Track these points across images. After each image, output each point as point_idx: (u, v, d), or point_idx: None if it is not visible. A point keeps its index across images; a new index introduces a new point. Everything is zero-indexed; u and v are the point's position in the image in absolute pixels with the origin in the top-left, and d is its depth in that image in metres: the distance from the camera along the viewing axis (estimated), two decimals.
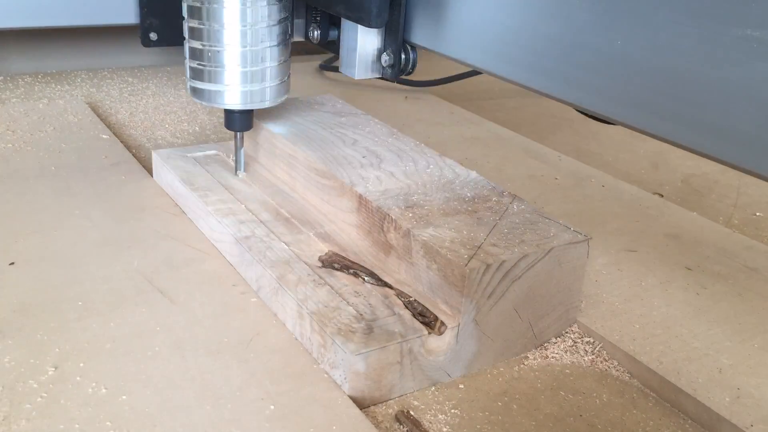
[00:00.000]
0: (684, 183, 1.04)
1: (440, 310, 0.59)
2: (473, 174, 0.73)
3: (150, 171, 0.87)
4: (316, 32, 0.84)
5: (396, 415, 0.55)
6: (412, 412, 0.55)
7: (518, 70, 0.66)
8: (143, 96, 1.17)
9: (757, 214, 0.95)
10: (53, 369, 0.55)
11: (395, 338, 0.55)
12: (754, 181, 1.05)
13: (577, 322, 0.66)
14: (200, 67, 0.72)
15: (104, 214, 0.77)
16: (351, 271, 0.64)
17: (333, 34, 0.84)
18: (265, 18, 0.70)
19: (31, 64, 1.28)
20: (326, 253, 0.66)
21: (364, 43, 0.78)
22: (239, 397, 0.53)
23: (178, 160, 0.83)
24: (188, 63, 0.74)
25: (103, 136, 0.97)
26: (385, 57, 0.77)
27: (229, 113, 0.76)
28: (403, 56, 0.77)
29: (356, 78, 0.78)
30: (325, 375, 0.56)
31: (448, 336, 0.57)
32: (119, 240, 0.72)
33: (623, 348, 0.62)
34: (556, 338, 0.65)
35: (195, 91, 0.74)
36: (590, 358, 0.63)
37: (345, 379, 0.55)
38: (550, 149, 1.07)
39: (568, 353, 0.63)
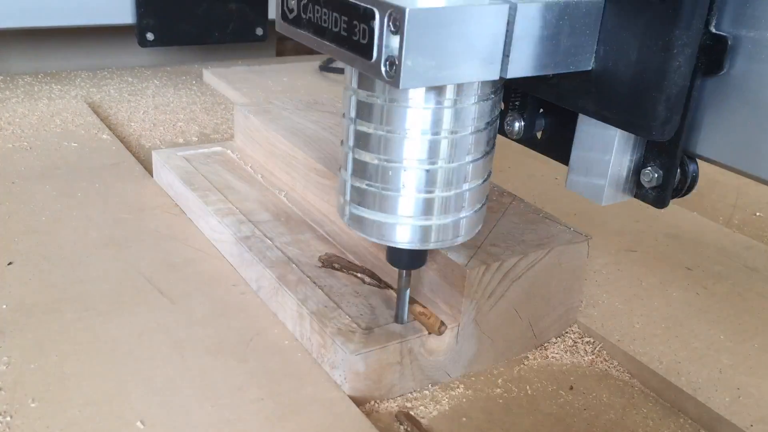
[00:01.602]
0: None
1: (440, 310, 0.59)
2: None
3: (150, 171, 0.87)
4: (517, 124, 0.57)
5: (396, 415, 0.55)
6: (412, 412, 0.55)
7: None
8: (143, 96, 1.17)
9: (757, 214, 0.95)
10: (53, 369, 0.55)
11: (395, 338, 0.55)
12: (754, 182, 1.05)
13: (577, 322, 0.66)
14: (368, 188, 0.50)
15: (104, 214, 0.77)
16: (351, 271, 0.64)
17: (540, 123, 0.57)
18: (473, 120, 0.48)
19: (31, 64, 1.28)
20: (326, 254, 0.66)
21: (620, 153, 0.51)
22: (239, 397, 0.53)
23: (178, 160, 0.83)
24: (350, 180, 0.51)
25: (103, 136, 0.97)
26: (647, 173, 0.51)
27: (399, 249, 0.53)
28: (678, 173, 0.50)
29: (603, 204, 0.52)
30: (325, 375, 0.56)
31: (448, 336, 0.57)
32: (119, 240, 0.72)
33: (623, 348, 0.62)
34: (556, 338, 0.65)
35: (355, 220, 0.51)
36: (590, 358, 0.63)
37: (345, 379, 0.55)
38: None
39: (568, 353, 0.63)
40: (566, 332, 0.65)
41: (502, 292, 0.59)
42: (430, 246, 0.50)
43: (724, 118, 0.47)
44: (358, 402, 0.54)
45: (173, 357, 0.57)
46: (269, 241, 0.68)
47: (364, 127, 0.48)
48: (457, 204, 0.50)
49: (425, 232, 0.49)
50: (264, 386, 0.54)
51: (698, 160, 0.50)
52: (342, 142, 0.51)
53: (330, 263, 0.65)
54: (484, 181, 0.51)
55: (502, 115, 0.55)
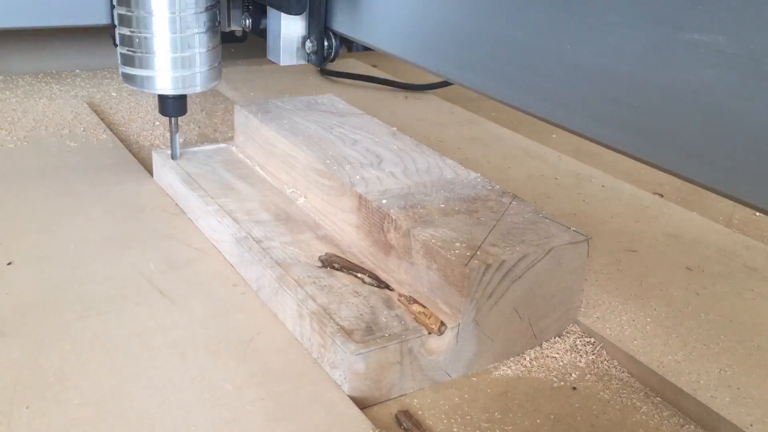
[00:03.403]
0: (684, 183, 1.04)
1: (440, 310, 0.59)
2: (473, 174, 0.73)
3: (150, 171, 0.87)
4: (248, 21, 0.86)
5: (396, 415, 0.55)
6: (411, 412, 0.55)
7: (430, 58, 0.68)
8: (143, 96, 1.17)
9: (757, 214, 0.95)
10: (53, 369, 0.55)
11: (395, 338, 0.55)
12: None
13: (577, 322, 0.66)
14: (131, 53, 0.75)
15: (104, 214, 0.77)
16: (351, 271, 0.64)
17: (264, 22, 0.86)
18: (192, 5, 0.74)
19: (31, 64, 1.28)
20: (326, 254, 0.66)
21: (288, 30, 0.81)
22: (239, 397, 0.53)
23: (179, 160, 0.83)
24: (119, 49, 0.77)
25: (103, 136, 0.97)
26: (308, 44, 0.80)
27: (162, 99, 0.80)
28: (325, 43, 0.79)
29: (281, 64, 0.82)
30: (325, 375, 0.56)
31: (448, 336, 0.57)
32: (119, 240, 0.72)
33: (623, 348, 0.62)
34: (556, 338, 0.65)
35: (127, 77, 0.77)
36: (590, 358, 0.63)
37: (345, 379, 0.55)
38: (550, 149, 1.07)
39: (568, 353, 0.63)
40: (566, 332, 0.65)
41: (502, 292, 0.59)
42: (179, 91, 0.77)
43: (350, 3, 0.75)
44: (358, 402, 0.54)
45: (173, 357, 0.57)
46: (269, 241, 0.68)
47: (123, 11, 0.74)
48: (192, 62, 0.76)
49: (174, 81, 0.77)
50: (264, 386, 0.54)
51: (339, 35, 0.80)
52: (114, 24, 0.76)
53: (330, 263, 0.65)
54: (213, 48, 0.78)
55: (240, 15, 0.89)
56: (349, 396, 0.54)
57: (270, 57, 0.84)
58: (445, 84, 1.32)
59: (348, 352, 0.54)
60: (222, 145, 0.89)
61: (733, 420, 0.55)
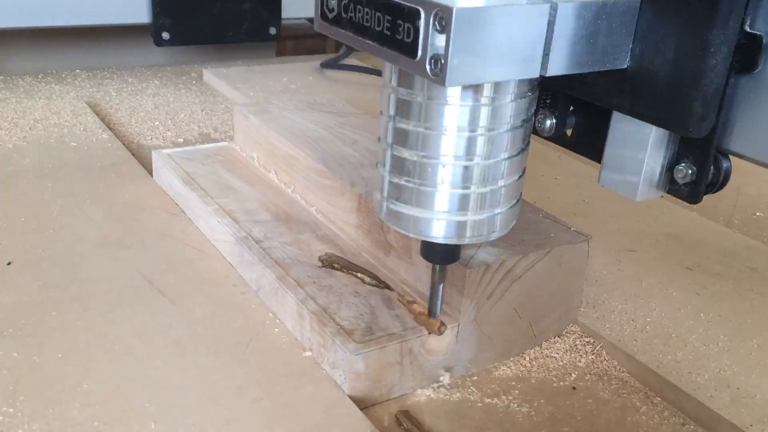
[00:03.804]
0: None
1: (440, 310, 0.59)
2: None
3: (150, 171, 0.87)
4: (548, 121, 0.56)
5: (396, 415, 0.55)
6: (411, 412, 0.55)
7: None
8: (143, 96, 1.17)
9: (757, 214, 0.95)
10: (53, 369, 0.55)
11: (395, 338, 0.55)
12: (754, 181, 1.05)
13: (577, 322, 0.66)
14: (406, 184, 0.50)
15: (104, 214, 0.77)
16: (351, 271, 0.64)
17: (570, 121, 0.57)
18: (507, 119, 0.48)
19: (31, 64, 1.28)
20: (326, 253, 0.66)
21: (655, 150, 0.51)
22: (239, 397, 0.53)
23: (178, 160, 0.83)
24: (388, 177, 0.51)
25: (103, 136, 0.97)
26: (681, 170, 0.52)
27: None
28: (711, 169, 0.51)
29: (637, 200, 0.53)
30: (325, 375, 0.56)
31: (448, 336, 0.57)
32: (119, 240, 0.72)
33: (623, 348, 0.62)
34: (556, 338, 0.65)
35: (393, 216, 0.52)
36: (590, 358, 0.63)
37: (345, 379, 0.55)
38: (550, 149, 1.07)
39: (568, 353, 0.63)
40: (566, 332, 0.65)
41: (502, 292, 0.59)
42: (465, 241, 0.51)
43: (757, 115, 0.48)
44: (358, 402, 0.54)
45: (173, 357, 0.57)
46: (269, 241, 0.68)
47: (403, 125, 0.48)
48: (493, 200, 0.50)
49: (461, 227, 0.50)
50: (264, 386, 0.54)
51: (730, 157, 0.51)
52: (379, 139, 0.51)
53: (330, 263, 0.65)
54: (520, 177, 0.52)
55: (534, 113, 0.56)
56: (349, 396, 0.54)
57: (606, 185, 0.55)
58: None
59: (348, 352, 0.54)
60: (222, 145, 0.89)
61: (733, 420, 0.55)
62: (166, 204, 0.80)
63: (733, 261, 0.78)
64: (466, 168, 0.48)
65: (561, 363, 0.62)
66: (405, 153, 0.49)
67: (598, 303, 0.69)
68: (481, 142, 0.48)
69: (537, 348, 0.64)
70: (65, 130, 0.98)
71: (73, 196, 0.80)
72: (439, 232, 0.50)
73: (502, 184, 0.50)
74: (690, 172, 0.51)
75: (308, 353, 0.58)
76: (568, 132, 0.58)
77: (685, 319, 0.67)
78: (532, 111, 0.51)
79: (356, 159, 0.74)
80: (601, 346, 0.64)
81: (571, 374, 0.61)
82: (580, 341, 0.65)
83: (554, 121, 0.57)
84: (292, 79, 1.29)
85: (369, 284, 0.62)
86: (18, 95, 1.11)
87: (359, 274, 0.63)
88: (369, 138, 0.80)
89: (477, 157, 0.48)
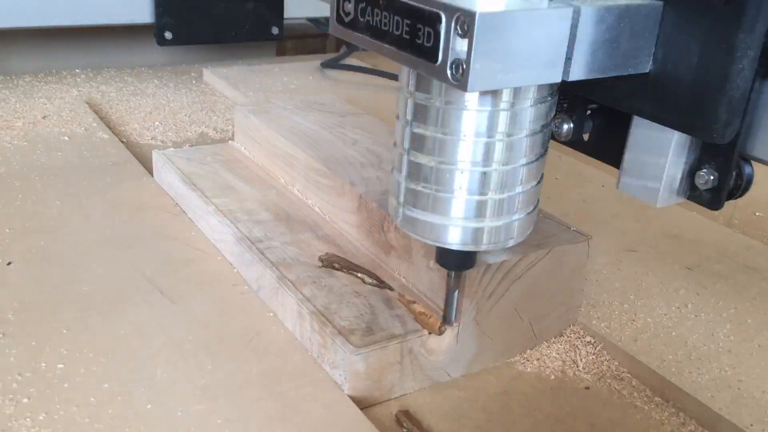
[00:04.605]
0: None
1: (440, 310, 0.59)
2: None
3: (150, 171, 0.87)
4: (565, 125, 0.56)
5: (396, 415, 0.55)
6: (411, 412, 0.55)
7: None
8: (143, 96, 1.17)
9: (757, 214, 0.95)
10: (53, 369, 0.55)
11: (395, 338, 0.55)
12: (754, 181, 1.05)
13: (577, 322, 0.66)
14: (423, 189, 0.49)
15: (104, 214, 0.77)
16: (351, 271, 0.64)
17: (588, 125, 0.57)
18: (525, 125, 0.48)
19: (31, 64, 1.28)
20: (326, 253, 0.66)
21: (676, 156, 0.50)
22: (239, 397, 0.53)
23: (179, 160, 0.83)
24: (404, 182, 0.50)
25: (104, 136, 0.97)
26: (702, 176, 0.51)
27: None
28: (734, 175, 0.51)
29: (657, 206, 0.52)
30: (325, 375, 0.56)
31: (448, 336, 0.57)
32: (119, 240, 0.72)
33: (623, 348, 0.62)
34: (556, 338, 0.65)
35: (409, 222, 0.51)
36: (590, 358, 0.63)
37: (345, 379, 0.55)
38: (550, 149, 1.07)
39: (568, 353, 0.63)
40: (566, 332, 0.65)
41: (502, 292, 0.59)
42: (482, 248, 0.50)
43: None
44: (358, 402, 0.54)
45: (173, 357, 0.57)
46: (269, 240, 0.68)
47: (420, 130, 0.48)
48: (510, 206, 0.49)
49: (478, 233, 0.49)
50: (264, 386, 0.54)
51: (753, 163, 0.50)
52: (395, 144, 0.51)
53: (330, 263, 0.65)
54: (538, 183, 0.51)
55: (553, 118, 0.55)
56: (349, 396, 0.54)
57: (625, 190, 0.54)
58: None
59: (348, 352, 0.54)
60: (222, 144, 0.89)
61: (733, 420, 0.55)
62: (166, 204, 0.80)
63: (733, 261, 0.78)
64: (483, 174, 0.47)
65: (561, 363, 0.62)
66: (422, 158, 0.48)
67: (598, 303, 0.69)
68: (499, 147, 0.47)
69: (537, 348, 0.64)
70: (65, 129, 0.98)
71: (73, 196, 0.80)
72: (455, 239, 0.49)
73: (520, 190, 0.49)
74: (712, 178, 0.50)
75: (309, 353, 0.58)
76: (585, 136, 0.57)
77: (685, 319, 0.67)
78: (552, 116, 0.50)
79: (356, 159, 0.74)
80: (601, 346, 0.64)
81: (571, 374, 0.61)
82: (580, 341, 0.65)
83: (571, 125, 0.56)
84: (292, 79, 1.29)
85: (369, 284, 0.62)
86: (18, 95, 1.11)
87: (359, 274, 0.63)
88: (369, 138, 0.80)
89: (495, 163, 0.47)
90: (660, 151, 0.50)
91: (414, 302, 0.60)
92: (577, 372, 0.61)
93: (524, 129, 0.47)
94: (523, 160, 0.48)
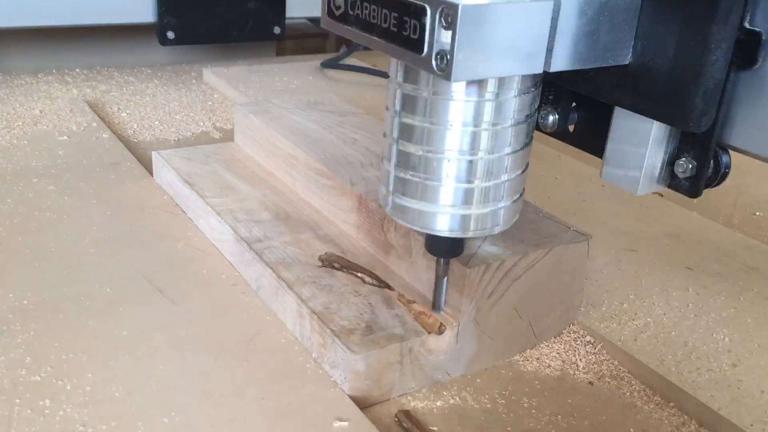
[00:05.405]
0: None
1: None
2: None
3: (150, 171, 0.87)
4: (551, 117, 0.57)
5: (396, 415, 0.55)
6: (412, 412, 0.55)
7: None
8: (143, 96, 1.17)
9: (757, 213, 0.95)
10: (53, 369, 0.55)
11: (395, 338, 0.55)
12: (754, 181, 1.05)
13: (577, 322, 0.66)
14: (411, 178, 0.51)
15: (104, 214, 0.77)
16: (351, 270, 0.64)
17: (573, 117, 0.58)
18: (510, 114, 0.49)
19: (31, 64, 1.28)
20: (326, 253, 0.66)
21: (655, 145, 0.52)
22: (239, 397, 0.53)
23: (179, 160, 0.83)
24: (393, 171, 0.52)
25: (103, 136, 0.97)
26: (681, 165, 0.52)
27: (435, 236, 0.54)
28: (711, 164, 0.52)
29: (637, 194, 0.53)
30: (325, 375, 0.56)
31: (448, 336, 0.57)
32: (119, 240, 0.72)
33: (623, 348, 0.62)
34: (556, 338, 0.65)
35: (399, 210, 0.53)
36: (590, 357, 0.63)
37: (345, 378, 0.55)
38: (550, 149, 1.07)
39: (568, 353, 0.63)
40: (566, 332, 0.65)
41: (502, 291, 0.59)
42: (469, 235, 0.52)
43: (757, 110, 0.48)
44: (358, 402, 0.54)
45: (173, 357, 0.57)
46: (269, 240, 0.68)
47: (408, 120, 0.49)
48: (496, 194, 0.51)
49: (465, 221, 0.51)
50: (264, 386, 0.54)
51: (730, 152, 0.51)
52: (385, 134, 0.52)
53: (330, 263, 0.65)
54: (523, 171, 0.52)
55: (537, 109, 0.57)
56: (349, 396, 0.54)
57: (607, 179, 0.55)
58: None
59: (348, 351, 0.54)
60: (222, 144, 0.89)
61: (733, 420, 0.55)
62: (166, 204, 0.80)
63: (733, 261, 0.78)
64: (470, 162, 0.49)
65: (561, 362, 0.62)
66: (410, 148, 0.50)
67: (598, 303, 0.69)
68: (485, 137, 0.48)
69: (537, 347, 0.64)
70: (65, 129, 0.98)
71: (73, 196, 0.80)
72: (443, 226, 0.51)
73: (506, 178, 0.51)
74: (690, 166, 0.52)
75: (309, 353, 0.58)
76: (571, 128, 0.58)
77: (685, 319, 0.67)
78: (536, 107, 0.51)
79: (356, 159, 0.74)
80: (601, 346, 0.64)
81: (571, 374, 0.61)
82: (580, 341, 0.65)
83: (557, 116, 0.58)
84: (292, 79, 1.29)
85: (369, 284, 0.62)
86: (18, 94, 1.11)
87: (359, 274, 0.63)
88: (369, 137, 0.80)
89: (481, 151, 0.49)
90: (640, 141, 0.52)
91: (414, 302, 0.60)
92: (576, 372, 0.61)
93: (509, 119, 0.49)
94: (508, 149, 0.50)
